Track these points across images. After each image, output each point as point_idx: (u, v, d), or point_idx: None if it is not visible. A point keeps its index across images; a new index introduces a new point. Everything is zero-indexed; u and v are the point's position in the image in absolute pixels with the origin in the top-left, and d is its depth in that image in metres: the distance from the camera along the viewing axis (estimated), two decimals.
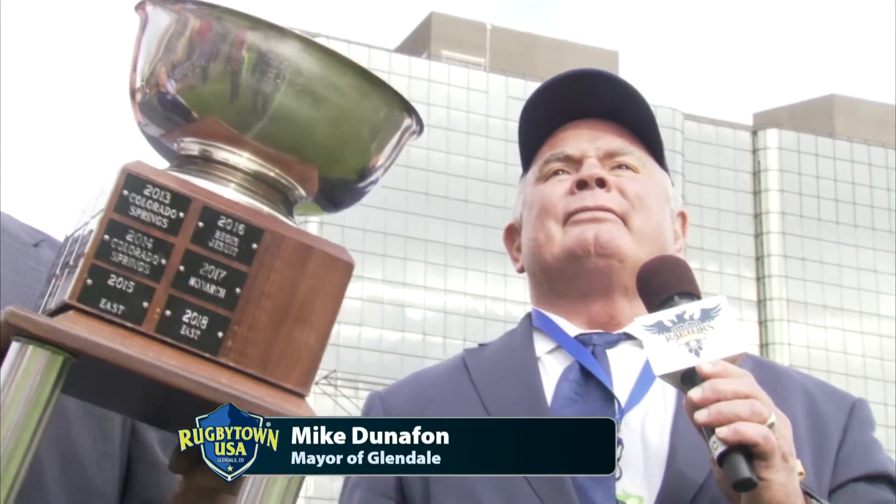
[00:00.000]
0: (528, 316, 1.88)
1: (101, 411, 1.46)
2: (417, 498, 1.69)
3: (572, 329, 1.78)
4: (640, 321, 1.55)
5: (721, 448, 1.43)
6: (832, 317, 72.58)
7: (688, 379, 1.48)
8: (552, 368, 1.75)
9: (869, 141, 75.73)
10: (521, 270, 1.88)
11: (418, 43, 75.49)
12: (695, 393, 1.46)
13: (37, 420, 1.11)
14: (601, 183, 1.75)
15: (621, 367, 1.72)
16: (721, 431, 1.42)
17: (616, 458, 1.61)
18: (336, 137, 1.24)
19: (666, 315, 1.52)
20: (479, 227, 64.71)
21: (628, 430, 1.66)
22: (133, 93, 1.27)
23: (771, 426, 1.45)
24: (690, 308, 1.52)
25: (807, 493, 1.52)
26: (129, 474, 1.57)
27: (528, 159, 1.90)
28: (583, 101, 1.83)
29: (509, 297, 66.50)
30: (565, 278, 1.78)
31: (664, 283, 1.60)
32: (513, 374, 1.75)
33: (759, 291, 70.95)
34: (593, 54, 78.24)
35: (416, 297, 62.74)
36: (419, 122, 1.30)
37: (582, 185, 1.75)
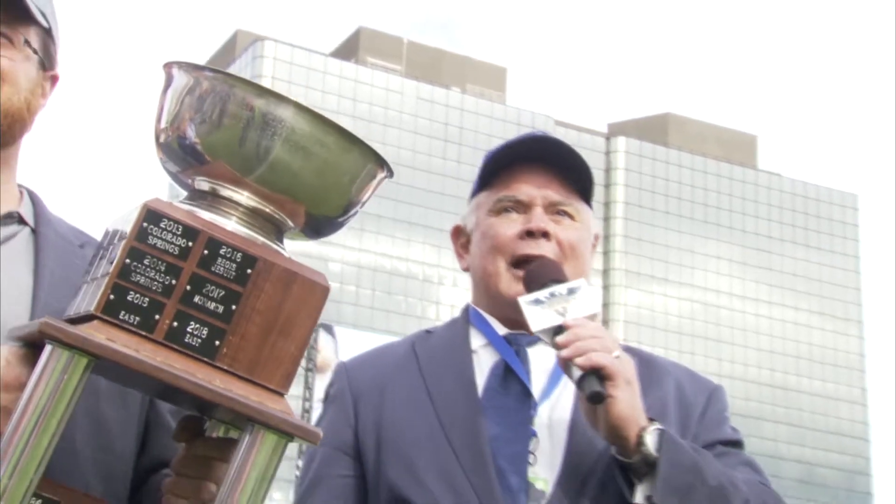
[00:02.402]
0: (467, 310, 1.84)
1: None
2: (370, 462, 1.66)
3: (501, 329, 1.76)
4: (522, 299, 1.60)
5: (579, 373, 1.49)
6: (658, 285, 74.49)
7: (557, 333, 1.55)
8: (484, 361, 1.73)
9: (693, 151, 77.65)
10: (466, 270, 1.84)
11: (349, 50, 74.71)
12: (560, 337, 1.53)
13: (63, 407, 1.07)
14: (544, 234, 1.72)
15: (537, 365, 1.71)
16: (578, 360, 1.49)
17: (531, 449, 1.61)
18: (322, 184, 1.19)
19: (541, 293, 1.60)
20: (391, 201, 64.65)
21: (540, 423, 1.65)
22: (157, 135, 1.21)
23: (617, 357, 1.51)
24: (559, 288, 1.60)
25: (650, 418, 1.55)
26: (146, 437, 1.52)
27: (484, 179, 1.82)
28: (538, 151, 1.78)
29: (411, 257, 66.65)
30: (504, 306, 1.74)
31: (542, 276, 1.65)
32: (452, 368, 1.72)
33: (604, 263, 72.39)
34: (487, 69, 78.31)
35: (336, 253, 62.60)
36: (390, 170, 1.27)
37: (529, 233, 1.72)
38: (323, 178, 1.19)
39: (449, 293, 67.32)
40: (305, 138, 1.16)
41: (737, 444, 1.73)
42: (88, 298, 1.15)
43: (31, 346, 1.18)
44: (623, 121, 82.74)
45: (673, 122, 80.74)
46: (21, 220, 1.48)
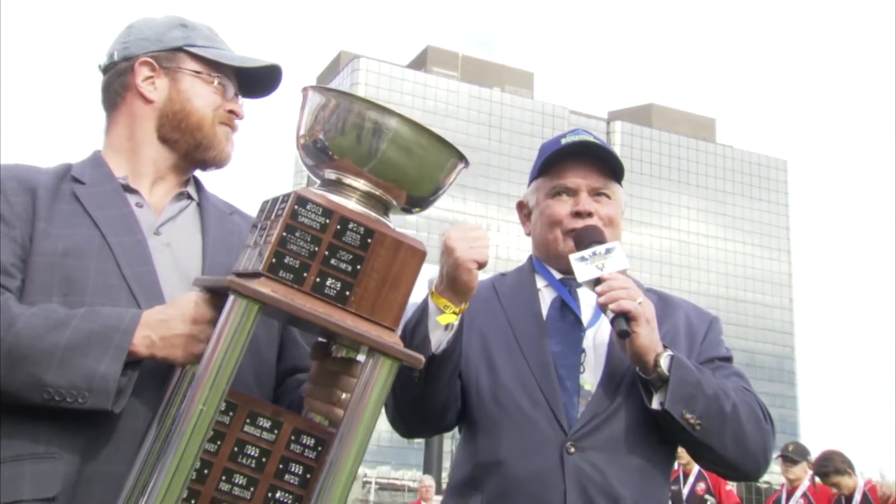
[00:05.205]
0: (531, 260, 1.79)
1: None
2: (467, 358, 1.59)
3: (557, 275, 1.71)
4: (571, 256, 1.57)
5: (612, 315, 1.48)
6: (644, 228, 73.35)
7: (597, 283, 1.53)
8: (546, 297, 1.69)
9: (670, 131, 76.01)
10: (528, 234, 1.78)
11: (419, 62, 73.84)
12: (598, 287, 1.51)
13: (243, 341, 1.05)
14: (589, 214, 1.66)
15: (584, 301, 1.67)
16: (611, 306, 1.48)
17: (581, 361, 1.58)
18: (419, 174, 1.14)
19: (586, 252, 1.56)
20: None
21: (587, 343, 1.62)
22: (298, 139, 1.17)
23: (640, 303, 1.48)
24: (599, 248, 1.56)
25: (665, 346, 1.51)
26: (282, 349, 1.49)
27: (542, 169, 1.72)
28: (581, 148, 1.69)
29: (466, 211, 66.37)
30: (560, 260, 1.68)
31: (587, 237, 1.60)
32: (524, 301, 1.68)
33: None
34: (517, 74, 76.79)
35: None
36: (467, 162, 1.21)
37: (577, 213, 1.66)
38: (419, 170, 1.14)
39: (494, 237, 67.19)
40: (406, 140, 1.11)
41: (728, 359, 1.67)
42: (255, 260, 1.12)
43: (211, 292, 1.17)
44: (618, 109, 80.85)
45: (655, 110, 78.97)
46: (189, 196, 1.47)
